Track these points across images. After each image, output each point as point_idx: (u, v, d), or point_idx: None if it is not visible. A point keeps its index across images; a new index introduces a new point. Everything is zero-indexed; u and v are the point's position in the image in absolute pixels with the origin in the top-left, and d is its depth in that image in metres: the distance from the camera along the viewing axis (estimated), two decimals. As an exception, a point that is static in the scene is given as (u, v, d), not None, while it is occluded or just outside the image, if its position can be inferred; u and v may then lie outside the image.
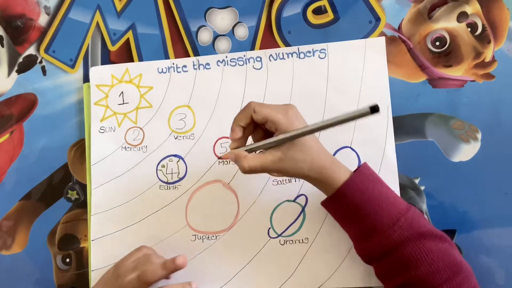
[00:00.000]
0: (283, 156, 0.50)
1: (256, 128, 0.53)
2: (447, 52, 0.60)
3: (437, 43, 0.60)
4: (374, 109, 0.43)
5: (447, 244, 0.48)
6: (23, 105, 0.67)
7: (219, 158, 0.54)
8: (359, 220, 0.50)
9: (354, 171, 0.51)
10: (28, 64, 0.68)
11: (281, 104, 0.52)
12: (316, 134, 0.59)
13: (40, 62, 0.68)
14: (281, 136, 0.49)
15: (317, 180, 0.51)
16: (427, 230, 0.48)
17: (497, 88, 0.59)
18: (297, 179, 0.60)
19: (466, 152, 0.58)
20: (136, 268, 0.55)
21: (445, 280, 0.46)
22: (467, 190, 0.57)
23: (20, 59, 0.68)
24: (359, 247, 0.52)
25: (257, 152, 0.52)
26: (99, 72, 0.66)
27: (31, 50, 0.68)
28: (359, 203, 0.49)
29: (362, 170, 0.51)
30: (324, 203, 0.53)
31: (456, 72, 0.60)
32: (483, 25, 0.60)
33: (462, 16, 0.60)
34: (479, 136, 0.58)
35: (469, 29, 0.60)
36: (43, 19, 0.68)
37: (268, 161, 0.50)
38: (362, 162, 0.59)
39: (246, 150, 0.51)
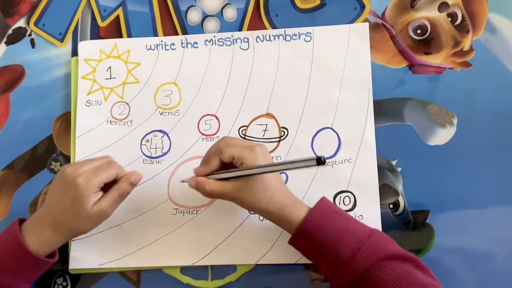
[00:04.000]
0: (243, 187, 0.52)
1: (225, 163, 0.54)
2: (427, 40, 0.62)
3: (419, 31, 0.63)
4: (320, 161, 0.46)
5: (410, 264, 0.49)
6: (10, 76, 0.68)
7: (183, 181, 0.57)
8: (324, 256, 0.51)
9: (313, 208, 0.53)
10: (17, 36, 0.69)
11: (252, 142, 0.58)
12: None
13: (30, 34, 0.68)
14: (239, 172, 0.52)
15: (276, 217, 0.53)
16: (391, 252, 0.49)
17: (474, 76, 0.61)
18: (278, 157, 0.62)
19: (442, 136, 0.60)
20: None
21: None
22: (441, 172, 0.59)
23: (10, 31, 0.69)
24: (331, 282, 0.52)
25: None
26: (87, 47, 0.67)
27: (21, 23, 0.69)
28: (320, 239, 0.50)
29: (319, 206, 0.53)
30: (290, 242, 0.54)
31: (435, 60, 0.62)
32: (462, 15, 0.62)
33: (443, 6, 0.63)
34: (455, 121, 0.60)
35: (449, 19, 0.62)
36: (34, -7, 0.69)
37: (228, 188, 0.53)
38: (342, 143, 0.61)
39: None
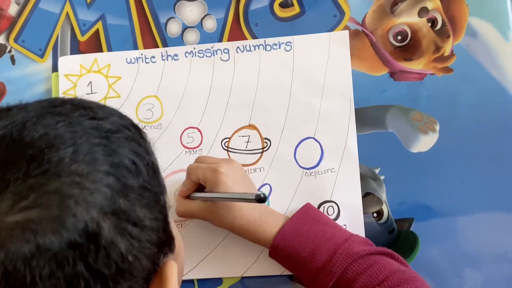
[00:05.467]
0: (207, 208, 0.54)
1: None
2: (408, 46, 0.62)
3: (399, 37, 0.62)
4: (260, 200, 0.47)
5: (385, 256, 0.50)
6: (-9, 94, 0.67)
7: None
8: (301, 267, 0.51)
9: (290, 218, 0.54)
10: (-3, 53, 0.68)
11: (223, 158, 0.58)
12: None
13: (9, 51, 0.68)
14: (199, 195, 0.55)
15: (244, 235, 0.54)
16: (368, 251, 0.49)
17: (455, 81, 0.60)
18: (262, 169, 0.61)
19: (425, 143, 0.60)
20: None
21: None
22: (425, 179, 0.59)
23: (-11, 48, 0.68)
24: None
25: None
26: (68, 62, 0.66)
27: (0, 39, 0.68)
28: (295, 252, 0.51)
29: (298, 215, 0.54)
30: (270, 256, 0.54)
31: (416, 66, 0.61)
32: (443, 20, 0.62)
33: (423, 11, 0.62)
34: (437, 127, 0.60)
35: (429, 24, 0.62)
36: (13, 9, 0.68)
37: (194, 209, 0.55)
38: (324, 153, 0.61)
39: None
